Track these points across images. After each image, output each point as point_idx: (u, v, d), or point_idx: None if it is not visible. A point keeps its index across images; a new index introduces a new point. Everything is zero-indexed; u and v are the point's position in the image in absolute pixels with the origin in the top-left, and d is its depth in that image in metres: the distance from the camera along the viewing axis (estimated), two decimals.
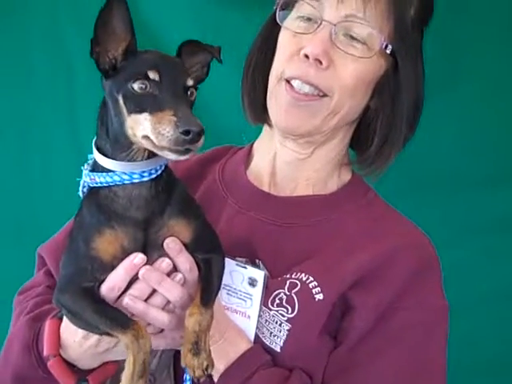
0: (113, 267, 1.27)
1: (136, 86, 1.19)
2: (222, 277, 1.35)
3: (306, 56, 1.41)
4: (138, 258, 1.26)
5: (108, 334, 1.25)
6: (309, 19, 1.45)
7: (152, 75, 1.19)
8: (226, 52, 2.07)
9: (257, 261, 1.46)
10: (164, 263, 1.28)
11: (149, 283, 1.28)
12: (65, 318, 1.35)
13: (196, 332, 1.24)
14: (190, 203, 1.35)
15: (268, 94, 1.52)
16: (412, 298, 1.41)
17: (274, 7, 1.51)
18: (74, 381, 1.33)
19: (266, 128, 1.60)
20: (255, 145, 1.65)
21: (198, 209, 1.36)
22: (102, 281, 1.27)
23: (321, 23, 1.42)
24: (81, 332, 1.31)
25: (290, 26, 1.47)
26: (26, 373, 1.42)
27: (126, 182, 1.25)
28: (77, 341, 1.32)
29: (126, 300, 1.28)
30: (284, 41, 1.49)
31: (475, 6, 2.19)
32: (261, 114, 1.56)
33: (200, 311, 1.25)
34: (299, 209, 1.52)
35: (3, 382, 1.45)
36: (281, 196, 1.55)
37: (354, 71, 1.42)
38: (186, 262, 1.30)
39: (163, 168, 1.29)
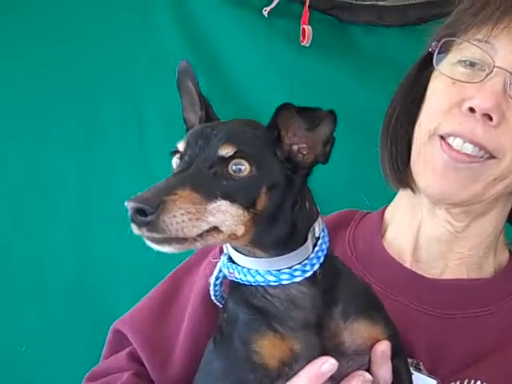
0: (279, 377, 0.98)
1: (173, 164, 0.97)
2: None
3: (472, 110, 1.16)
4: (329, 363, 0.97)
5: None
6: (473, 64, 1.21)
7: (180, 147, 0.96)
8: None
9: (420, 363, 1.19)
10: (366, 376, 1.01)
11: None
12: None
13: None
14: (366, 295, 1.07)
15: (414, 152, 1.27)
16: None
17: (429, 50, 1.27)
18: None
19: (404, 193, 1.34)
20: (388, 212, 1.39)
21: (375, 300, 1.07)
22: None
23: (492, 70, 1.17)
24: None
25: (449, 72, 1.23)
26: None
27: (272, 283, 0.98)
28: None
29: None
30: (440, 90, 1.24)
31: None
32: (404, 177, 1.30)
33: None
34: (457, 296, 1.26)
35: None
36: (433, 278, 1.28)
37: None
38: (388, 371, 1.03)
39: (320, 261, 1.00)
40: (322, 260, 1.00)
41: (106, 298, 1.96)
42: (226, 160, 0.91)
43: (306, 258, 0.99)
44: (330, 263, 1.03)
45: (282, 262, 0.98)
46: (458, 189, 1.20)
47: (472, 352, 1.20)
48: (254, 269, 0.98)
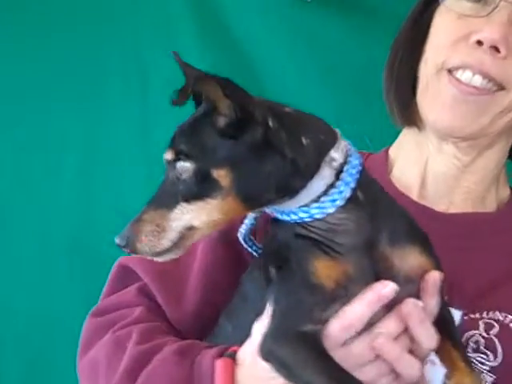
0: (335, 300, 0.97)
1: None
2: None
3: (479, 43, 1.17)
4: (391, 287, 0.96)
5: None
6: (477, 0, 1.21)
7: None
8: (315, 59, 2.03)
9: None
10: (419, 303, 0.99)
11: (409, 321, 0.98)
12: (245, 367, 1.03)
13: None
14: (412, 224, 1.04)
15: (420, 88, 1.25)
16: None
17: None
18: None
19: (408, 131, 1.34)
20: (392, 151, 1.37)
21: (421, 231, 1.04)
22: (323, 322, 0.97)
23: (498, 4, 1.18)
24: None
25: (455, 6, 1.22)
26: None
27: (307, 219, 0.98)
28: None
29: (381, 340, 0.97)
30: (445, 24, 1.23)
31: None
32: (410, 114, 1.29)
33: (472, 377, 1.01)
34: (468, 230, 1.26)
35: None
36: (442, 212, 1.28)
37: None
38: (436, 304, 1.01)
39: (351, 187, 0.98)
40: (353, 185, 0.98)
41: (108, 252, 1.96)
42: (173, 164, 0.96)
43: (332, 187, 0.98)
44: (368, 187, 1.01)
45: (303, 199, 0.98)
46: (468, 122, 1.20)
47: (487, 283, 1.19)
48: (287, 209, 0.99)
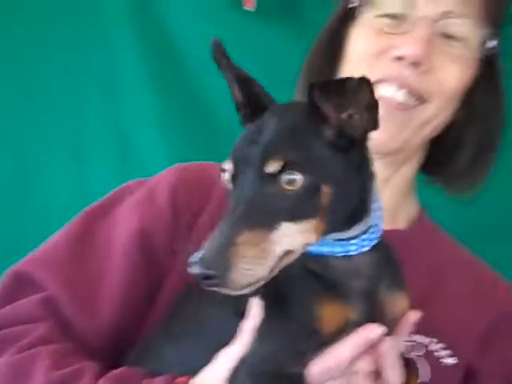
0: (328, 344, 0.92)
1: (224, 179, 0.88)
2: None
3: (400, 58, 1.19)
4: (379, 331, 0.91)
5: None
6: (395, 16, 1.22)
7: (227, 167, 0.87)
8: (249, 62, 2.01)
9: None
10: (398, 341, 0.97)
11: (384, 361, 0.95)
12: None
13: None
14: (400, 265, 1.02)
15: None
16: None
17: (344, 5, 1.28)
18: None
19: None
20: None
21: (402, 270, 1.02)
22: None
23: (415, 20, 1.20)
24: None
25: (372, 22, 1.24)
26: None
27: (338, 255, 0.93)
28: None
29: (359, 380, 0.94)
30: (364, 39, 1.24)
31: None
32: None
33: None
34: None
35: None
36: None
37: (458, 74, 1.23)
38: (403, 344, 1.01)
39: (381, 227, 0.97)
40: (382, 226, 0.95)
41: None
42: (276, 176, 0.82)
43: (371, 226, 0.93)
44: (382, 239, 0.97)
45: (349, 233, 0.92)
46: (392, 136, 1.20)
47: None
48: None
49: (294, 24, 2.04)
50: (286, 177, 0.82)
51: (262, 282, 0.82)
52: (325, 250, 0.92)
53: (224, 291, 0.80)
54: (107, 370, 1.02)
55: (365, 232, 0.92)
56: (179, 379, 0.95)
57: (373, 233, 0.93)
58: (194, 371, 0.95)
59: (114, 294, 1.11)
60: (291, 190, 0.82)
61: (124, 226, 1.17)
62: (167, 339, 1.03)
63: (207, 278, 0.78)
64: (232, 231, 0.79)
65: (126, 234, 1.15)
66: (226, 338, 0.93)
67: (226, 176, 0.87)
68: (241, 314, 0.93)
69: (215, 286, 0.79)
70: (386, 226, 1.23)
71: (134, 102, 2.03)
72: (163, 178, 1.22)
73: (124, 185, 1.25)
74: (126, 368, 1.03)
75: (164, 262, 1.14)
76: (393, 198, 1.29)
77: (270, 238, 0.81)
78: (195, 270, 0.78)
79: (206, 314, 0.99)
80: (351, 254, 0.92)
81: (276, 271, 0.82)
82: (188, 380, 0.94)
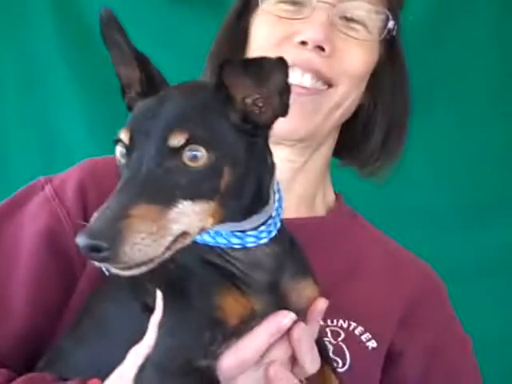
0: (234, 335, 0.90)
1: (117, 153, 0.82)
2: None
3: (303, 43, 1.19)
4: (290, 317, 0.90)
5: None
6: (294, 2, 1.23)
7: (123, 136, 0.81)
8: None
9: None
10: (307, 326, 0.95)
11: (298, 347, 0.93)
12: None
13: None
14: (305, 254, 1.00)
15: None
16: (449, 330, 1.31)
17: None
18: None
19: None
20: None
21: (308, 260, 1.00)
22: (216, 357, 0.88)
23: (315, 5, 1.21)
24: None
25: (272, 9, 1.24)
26: None
27: (236, 246, 0.90)
28: None
29: (276, 368, 0.92)
30: (266, 26, 1.24)
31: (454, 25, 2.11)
32: None
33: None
34: (301, 235, 1.17)
35: None
36: None
37: (362, 56, 1.24)
38: (317, 330, 0.99)
39: (281, 219, 0.94)
40: (282, 217, 0.94)
41: None
42: (179, 150, 0.78)
43: (270, 217, 0.90)
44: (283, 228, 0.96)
45: (246, 224, 0.89)
46: (303, 122, 1.20)
47: (324, 291, 1.14)
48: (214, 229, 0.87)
49: (205, 6, 2.05)
50: (189, 152, 0.78)
51: (155, 264, 0.77)
52: (221, 241, 0.89)
53: (114, 269, 0.75)
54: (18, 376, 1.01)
55: (263, 223, 0.90)
56: (90, 381, 0.92)
57: (270, 225, 0.91)
58: (107, 373, 0.92)
59: (22, 294, 1.08)
60: (193, 167, 0.78)
61: (32, 225, 1.14)
62: (75, 343, 0.99)
63: (96, 250, 0.72)
64: (127, 202, 0.74)
65: (34, 233, 1.13)
66: (136, 336, 0.90)
67: (120, 148, 0.81)
68: (149, 310, 0.91)
69: (104, 260, 0.73)
70: (304, 213, 1.28)
71: (56, 92, 2.04)
72: (72, 174, 1.19)
73: (33, 182, 1.20)
74: (36, 373, 1.01)
75: (77, 262, 1.11)
76: (309, 184, 1.29)
77: (167, 214, 0.76)
78: (81, 240, 0.72)
79: (113, 314, 0.96)
80: (249, 245, 0.90)
81: (169, 254, 0.78)
82: (99, 382, 0.92)
